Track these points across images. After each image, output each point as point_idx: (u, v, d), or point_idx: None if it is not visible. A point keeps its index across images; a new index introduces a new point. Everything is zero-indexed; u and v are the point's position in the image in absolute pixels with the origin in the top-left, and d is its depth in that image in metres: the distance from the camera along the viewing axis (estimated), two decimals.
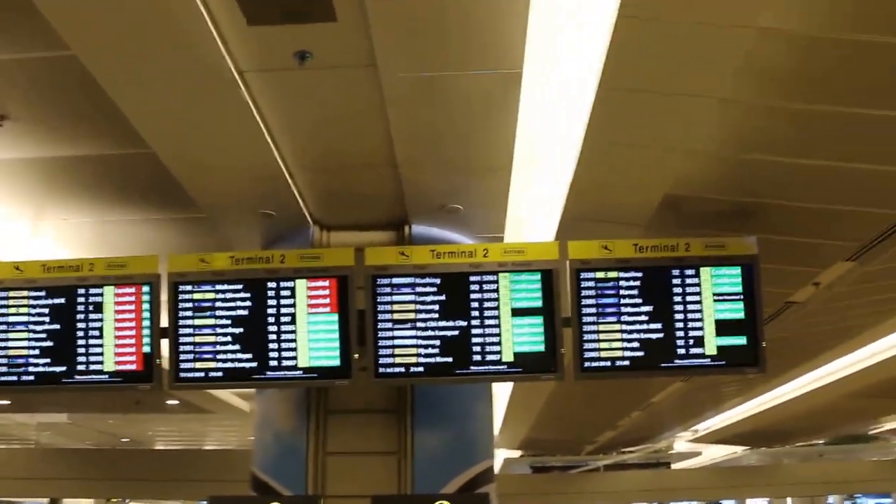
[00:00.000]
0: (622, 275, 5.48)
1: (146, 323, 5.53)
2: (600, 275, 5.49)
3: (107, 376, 5.55)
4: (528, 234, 6.67)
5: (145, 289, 5.55)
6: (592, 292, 5.48)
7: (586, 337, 5.45)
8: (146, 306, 5.54)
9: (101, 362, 5.54)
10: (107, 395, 12.08)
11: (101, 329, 5.54)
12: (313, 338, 5.47)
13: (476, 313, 5.47)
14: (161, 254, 5.66)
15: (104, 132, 5.05)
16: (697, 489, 22.51)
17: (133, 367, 5.53)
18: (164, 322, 5.56)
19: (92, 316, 5.56)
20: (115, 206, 6.07)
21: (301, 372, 5.46)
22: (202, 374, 5.49)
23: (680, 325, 5.42)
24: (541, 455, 25.86)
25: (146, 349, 5.52)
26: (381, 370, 5.44)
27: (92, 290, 5.57)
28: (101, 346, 5.54)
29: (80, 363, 5.56)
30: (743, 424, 17.49)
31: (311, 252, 5.61)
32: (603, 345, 5.44)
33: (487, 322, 5.46)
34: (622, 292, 5.47)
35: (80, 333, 5.57)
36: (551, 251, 5.52)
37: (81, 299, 5.58)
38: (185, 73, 4.13)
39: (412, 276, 5.49)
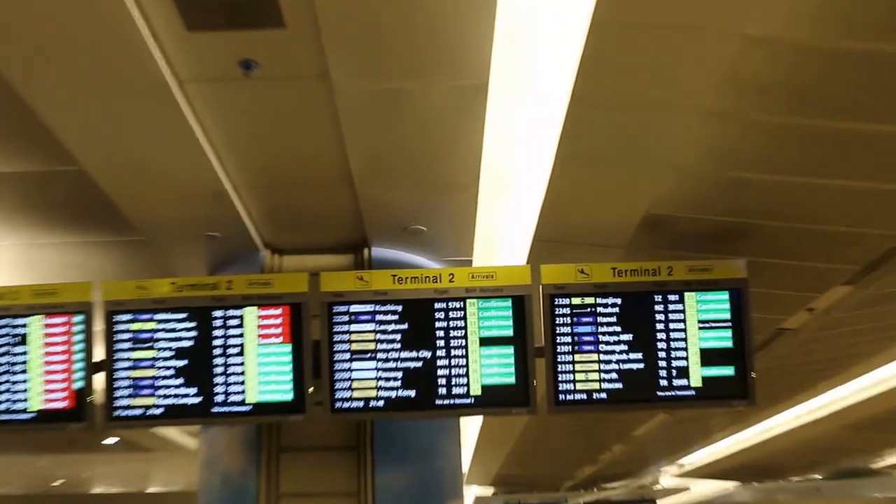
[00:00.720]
0: (600, 301, 5.48)
1: (78, 356, 5.46)
2: (576, 301, 5.49)
3: (33, 415, 5.46)
4: (499, 257, 6.67)
5: (77, 318, 5.47)
6: (567, 320, 5.49)
7: (561, 368, 5.45)
8: (79, 338, 5.46)
9: (25, 400, 5.45)
10: (34, 435, 11.86)
11: (26, 363, 5.46)
12: (264, 370, 5.44)
13: (441, 343, 5.46)
14: (95, 280, 5.60)
15: (27, 147, 4.95)
16: None
17: (63, 404, 5.44)
18: (99, 355, 5.49)
19: (16, 349, 5.48)
20: (43, 228, 5.99)
21: (250, 407, 5.42)
22: (141, 412, 5.43)
23: (662, 354, 5.42)
24: (516, 492, 25.79)
25: (78, 385, 5.44)
26: (338, 405, 5.41)
27: (16, 321, 5.49)
28: (26, 381, 5.45)
29: (3, 402, 5.47)
30: (733, 459, 17.52)
31: (261, 278, 5.59)
32: (579, 376, 5.44)
33: (454, 353, 5.45)
34: (600, 320, 5.47)
35: (3, 369, 5.48)
36: (523, 275, 5.51)
37: (4, 331, 5.50)
38: (117, 83, 4.07)
39: (372, 304, 5.47)
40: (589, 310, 5.48)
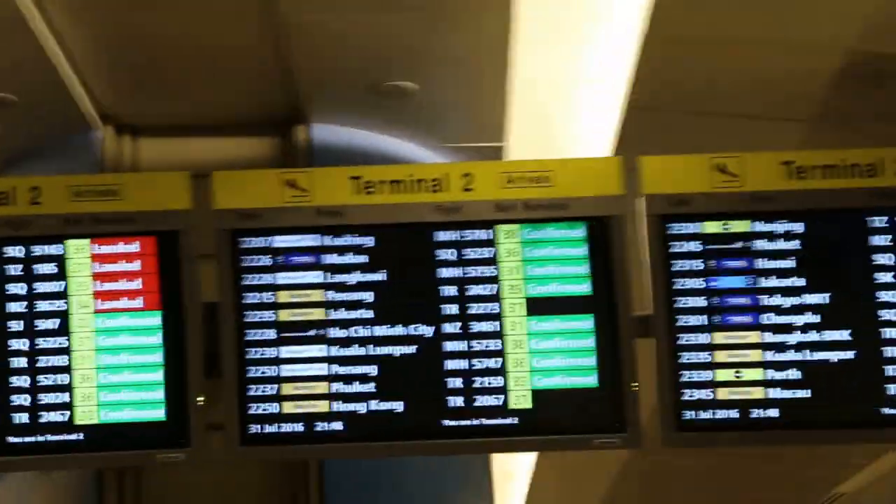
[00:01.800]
0: (762, 227, 5.45)
1: None
2: (713, 227, 5.47)
3: None
4: (558, 145, 6.68)
5: None
6: (697, 265, 5.45)
7: (685, 358, 5.39)
8: None
9: None
10: None
11: None
12: (108, 364, 5.38)
13: (452, 310, 5.45)
14: None
15: None
16: None
17: None
18: None
19: None
20: None
21: (83, 436, 5.35)
22: None
23: (893, 332, 5.36)
24: None
25: None
26: (255, 429, 5.36)
27: None
28: None
29: None
30: None
31: (97, 182, 5.52)
32: (722, 375, 5.37)
33: (476, 328, 5.44)
34: (763, 265, 5.44)
35: None
36: (607, 178, 5.50)
37: None
38: None
39: (316, 233, 5.47)
40: (740, 245, 5.45)
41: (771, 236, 5.43)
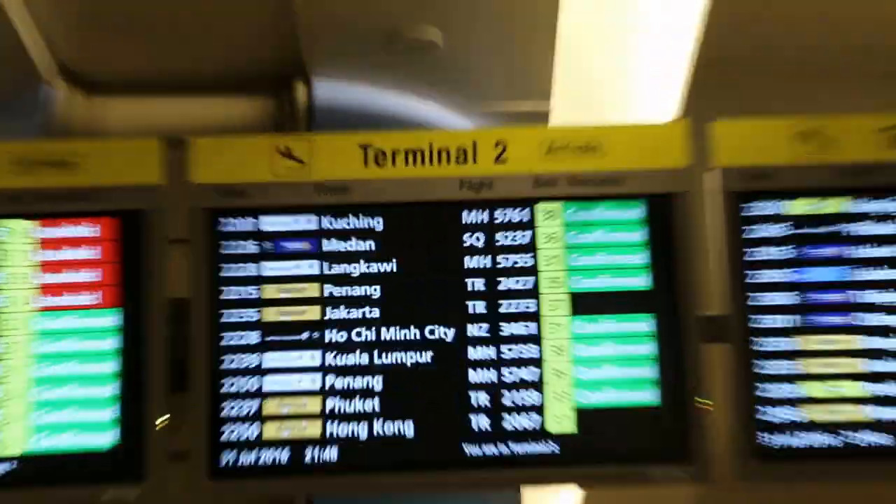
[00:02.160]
0: (858, 207, 5.03)
1: None
2: (799, 207, 5.05)
3: None
4: (613, 105, 6.29)
5: None
6: (782, 253, 5.01)
7: (765, 368, 4.93)
8: None
9: None
10: None
11: None
12: (50, 374, 4.94)
13: (478, 308, 4.97)
14: None
15: None
16: None
17: None
18: None
19: None
20: None
21: (15, 465, 4.91)
22: None
23: None
24: None
25: None
26: (228, 458, 4.92)
27: None
28: None
29: None
30: None
31: (47, 150, 5.08)
32: (813, 389, 4.92)
33: (508, 331, 4.96)
34: (860, 253, 5.00)
35: None
36: (669, 147, 5.08)
37: None
38: None
39: (312, 213, 5.05)
40: (832, 229, 5.02)
41: (869, 218, 5.01)
